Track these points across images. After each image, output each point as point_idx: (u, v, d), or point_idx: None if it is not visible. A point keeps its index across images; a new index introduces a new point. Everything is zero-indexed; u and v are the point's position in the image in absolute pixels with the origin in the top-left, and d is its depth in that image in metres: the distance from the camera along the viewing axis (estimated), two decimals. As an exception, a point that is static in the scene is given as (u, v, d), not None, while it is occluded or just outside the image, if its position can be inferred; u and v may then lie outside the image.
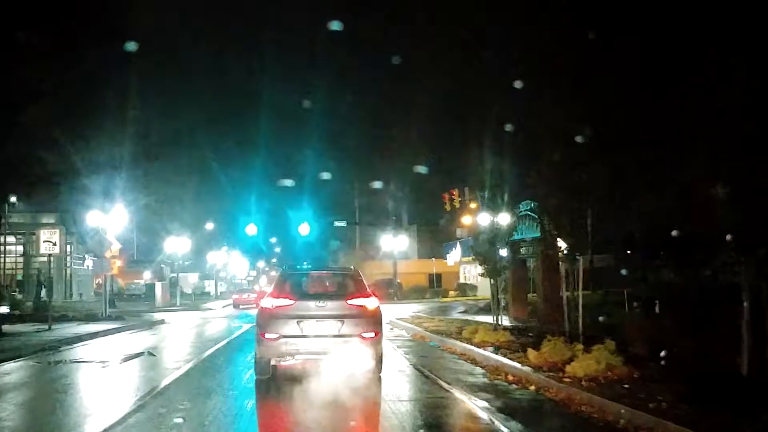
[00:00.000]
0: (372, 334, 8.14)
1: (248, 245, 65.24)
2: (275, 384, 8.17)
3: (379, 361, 8.39)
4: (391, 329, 18.06)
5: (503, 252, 15.91)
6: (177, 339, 15.86)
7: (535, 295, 21.81)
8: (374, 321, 8.29)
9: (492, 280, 14.46)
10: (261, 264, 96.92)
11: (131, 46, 15.18)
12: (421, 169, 30.75)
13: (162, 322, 22.89)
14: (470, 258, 42.30)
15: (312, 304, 8.25)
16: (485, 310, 24.39)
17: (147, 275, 50.98)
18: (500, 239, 13.84)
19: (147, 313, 29.96)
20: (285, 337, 8.02)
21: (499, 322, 14.19)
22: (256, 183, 36.21)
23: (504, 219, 17.54)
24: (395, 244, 40.14)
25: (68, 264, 48.47)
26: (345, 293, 8.61)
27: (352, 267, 10.33)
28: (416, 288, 41.44)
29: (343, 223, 39.98)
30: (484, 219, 27.49)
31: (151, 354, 11.12)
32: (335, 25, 15.71)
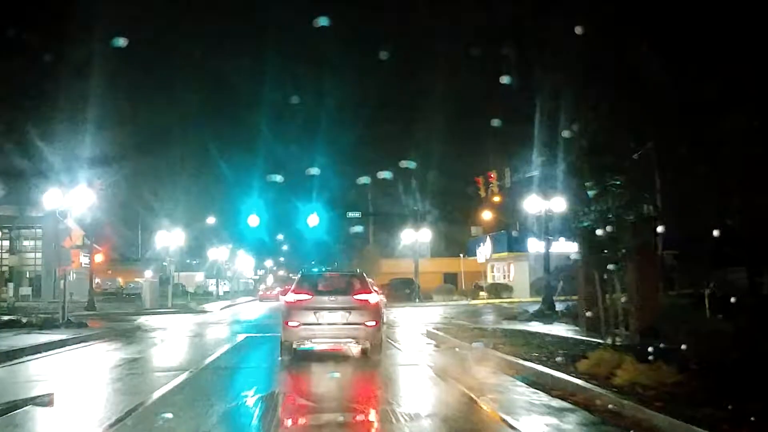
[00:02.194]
0: (373, 323, 10.07)
1: (254, 243, 62.93)
2: None
3: (379, 344, 10.40)
4: (437, 347, 13.06)
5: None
6: (132, 361, 11.05)
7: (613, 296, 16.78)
8: (375, 312, 10.25)
9: (605, 277, 9.67)
10: (269, 263, 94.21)
11: (120, 41, 15.41)
12: (409, 164, 30.23)
13: (137, 329, 18.18)
14: (505, 253, 37.47)
15: (325, 298, 10.12)
16: (538, 315, 19.52)
17: (148, 274, 46.99)
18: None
19: (130, 316, 25.42)
20: (304, 324, 9.89)
21: (616, 341, 9.41)
22: (261, 178, 33.12)
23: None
24: (416, 237, 34.92)
25: (58, 261, 44.08)
26: (352, 290, 10.33)
27: (357, 270, 12.44)
28: (441, 288, 36.49)
29: (357, 214, 35.39)
30: (536, 202, 22.64)
31: (43, 404, 6.24)
32: (323, 21, 15.91)
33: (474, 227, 45.10)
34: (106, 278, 67.44)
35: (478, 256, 37.21)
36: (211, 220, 47.16)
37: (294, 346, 10.09)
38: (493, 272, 40.91)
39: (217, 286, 51.88)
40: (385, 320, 21.43)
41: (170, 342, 14.81)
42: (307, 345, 10.34)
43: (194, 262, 67.20)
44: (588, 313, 16.55)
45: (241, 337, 15.30)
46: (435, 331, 15.30)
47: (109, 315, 25.82)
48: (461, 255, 39.05)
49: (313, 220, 30.75)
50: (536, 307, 20.98)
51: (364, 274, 11.38)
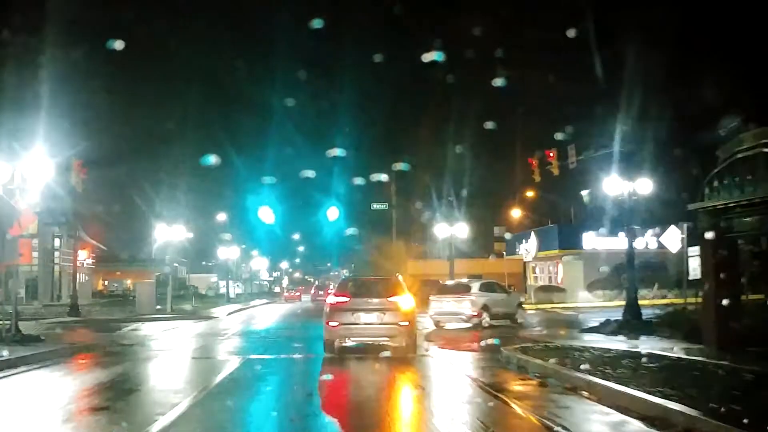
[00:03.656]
0: (406, 323, 11.15)
1: (268, 245, 61.59)
2: None
3: (413, 342, 11.38)
4: (523, 380, 8.49)
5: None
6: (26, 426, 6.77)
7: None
8: (408, 313, 11.28)
9: None
10: (284, 265, 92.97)
11: (116, 44, 16.43)
12: (403, 167, 29.93)
13: (110, 345, 14.07)
14: (555, 251, 32.78)
15: (363, 300, 11.44)
16: (625, 327, 15.17)
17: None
18: None
19: (119, 323, 21.60)
20: (344, 324, 11.18)
21: None
22: (273, 177, 31.66)
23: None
24: (451, 232, 30.33)
25: (56, 260, 40.22)
26: (387, 293, 11.56)
27: (395, 274, 14.71)
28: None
29: (383, 206, 31.44)
30: (615, 183, 18.10)
31: None
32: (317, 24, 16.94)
33: (497, 227, 41.23)
34: (114, 279, 64.17)
35: (524, 255, 32.36)
36: (221, 216, 43.82)
37: (336, 344, 11.45)
38: (534, 273, 36.25)
39: (227, 288, 47.90)
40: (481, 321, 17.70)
41: (136, 371, 10.48)
42: (347, 342, 11.67)
43: (209, 263, 64.52)
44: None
45: (239, 362, 10.93)
46: (502, 349, 10.98)
47: (93, 322, 21.81)
48: (503, 254, 34.39)
49: (332, 213, 27.67)
50: (605, 315, 16.77)
51: (398, 278, 12.51)
